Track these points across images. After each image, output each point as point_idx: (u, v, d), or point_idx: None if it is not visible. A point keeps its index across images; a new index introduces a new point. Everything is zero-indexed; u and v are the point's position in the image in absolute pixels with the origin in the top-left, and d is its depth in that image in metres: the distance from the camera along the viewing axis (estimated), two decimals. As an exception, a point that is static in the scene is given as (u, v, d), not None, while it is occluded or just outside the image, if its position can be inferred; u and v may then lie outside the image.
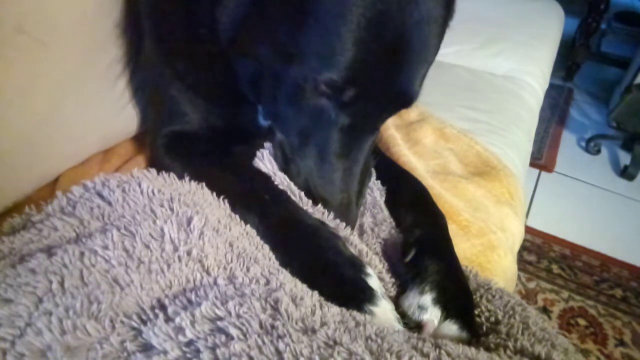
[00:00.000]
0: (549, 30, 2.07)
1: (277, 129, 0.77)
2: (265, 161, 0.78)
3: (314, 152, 0.73)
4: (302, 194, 0.74)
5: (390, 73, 0.65)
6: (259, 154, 0.80)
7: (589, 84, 3.62)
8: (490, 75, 1.66)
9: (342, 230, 0.72)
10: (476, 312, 0.68)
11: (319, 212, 0.72)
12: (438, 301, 0.65)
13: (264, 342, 0.45)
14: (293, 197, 0.74)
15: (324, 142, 0.71)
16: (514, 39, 1.89)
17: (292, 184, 0.75)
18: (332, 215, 0.72)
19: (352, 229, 0.74)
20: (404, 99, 0.70)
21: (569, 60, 3.53)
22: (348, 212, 0.74)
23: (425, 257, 0.70)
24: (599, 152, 2.85)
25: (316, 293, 0.57)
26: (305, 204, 0.73)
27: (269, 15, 0.68)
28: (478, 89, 1.56)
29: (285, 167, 0.77)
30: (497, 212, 1.01)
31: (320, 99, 0.68)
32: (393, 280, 0.71)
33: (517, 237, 1.03)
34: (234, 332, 0.46)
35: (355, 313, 0.55)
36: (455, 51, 1.75)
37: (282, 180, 0.76)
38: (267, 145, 0.81)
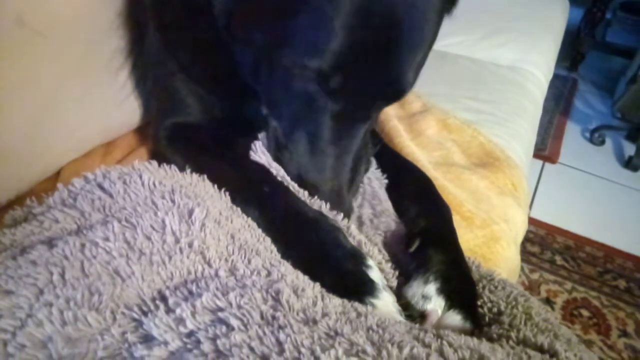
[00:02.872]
0: (553, 20, 2.05)
1: (271, 116, 0.77)
2: (259, 152, 0.78)
3: (304, 137, 0.72)
4: (296, 185, 0.74)
5: (380, 60, 0.64)
6: (252, 145, 0.79)
7: (594, 74, 3.59)
8: (494, 66, 1.65)
9: (340, 221, 0.72)
10: (479, 303, 0.67)
11: (316, 204, 0.72)
12: (442, 290, 0.65)
13: (264, 333, 0.45)
14: (291, 188, 0.74)
15: (314, 128, 0.71)
16: (518, 29, 1.87)
17: (286, 175, 0.75)
18: (329, 205, 0.72)
19: (347, 216, 0.74)
20: (394, 87, 0.68)
21: (574, 50, 3.51)
22: (339, 199, 0.74)
23: (429, 247, 0.70)
24: (603, 142, 2.83)
25: (317, 284, 0.57)
26: (302, 193, 0.73)
27: (259, 0, 0.67)
28: (482, 80, 1.55)
29: (277, 154, 0.77)
30: (500, 203, 1.00)
31: (309, 84, 0.67)
32: (393, 270, 0.71)
33: (520, 228, 1.03)
34: (234, 322, 0.45)
35: (356, 304, 0.55)
36: (458, 41, 1.74)
37: (277, 171, 0.75)
38: (260, 136, 0.81)
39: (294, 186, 0.74)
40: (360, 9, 0.59)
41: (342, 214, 0.72)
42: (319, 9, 0.60)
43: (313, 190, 0.73)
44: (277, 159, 0.77)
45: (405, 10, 0.61)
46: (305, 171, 0.74)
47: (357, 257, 0.64)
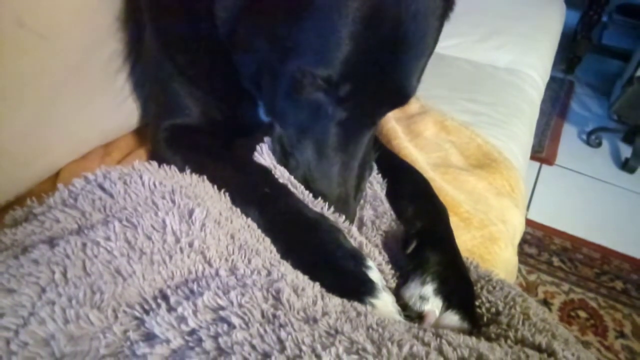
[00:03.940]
0: (550, 23, 2.06)
1: (276, 123, 0.78)
2: (264, 155, 0.78)
3: (311, 146, 0.73)
4: (303, 187, 0.75)
5: (387, 68, 0.65)
6: (258, 147, 0.80)
7: (590, 77, 3.61)
8: (491, 68, 1.66)
9: (341, 223, 0.72)
10: (477, 303, 0.68)
11: (319, 206, 0.72)
12: (439, 291, 0.65)
13: (265, 331, 0.45)
14: (294, 190, 0.74)
15: (321, 136, 0.71)
16: (515, 31, 1.88)
17: (292, 177, 0.76)
18: (331, 209, 0.72)
19: (351, 222, 0.74)
20: (400, 94, 0.70)
21: (570, 52, 3.53)
22: (346, 206, 0.74)
23: (427, 248, 0.71)
24: (599, 144, 2.85)
25: (317, 284, 0.57)
26: (307, 196, 0.73)
27: (265, 9, 0.68)
28: (479, 82, 1.56)
29: (283, 161, 0.77)
30: (497, 204, 1.01)
31: (317, 93, 0.67)
32: (393, 271, 0.72)
33: (517, 229, 1.03)
34: (235, 321, 0.46)
35: (356, 303, 0.55)
36: (456, 43, 1.75)
37: (282, 173, 0.76)
38: (267, 139, 0.81)
39: (302, 189, 0.74)
40: (367, 18, 0.60)
41: (344, 216, 0.73)
42: (327, 18, 0.61)
43: (321, 198, 0.73)
44: (283, 164, 0.78)
45: (411, 17, 0.62)
46: (313, 180, 0.74)
47: (357, 258, 0.64)
